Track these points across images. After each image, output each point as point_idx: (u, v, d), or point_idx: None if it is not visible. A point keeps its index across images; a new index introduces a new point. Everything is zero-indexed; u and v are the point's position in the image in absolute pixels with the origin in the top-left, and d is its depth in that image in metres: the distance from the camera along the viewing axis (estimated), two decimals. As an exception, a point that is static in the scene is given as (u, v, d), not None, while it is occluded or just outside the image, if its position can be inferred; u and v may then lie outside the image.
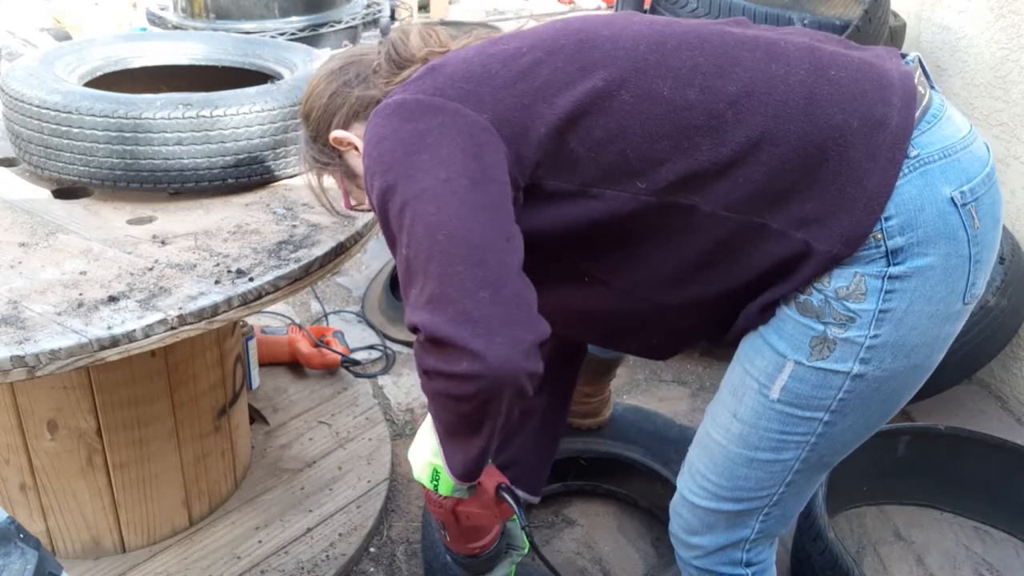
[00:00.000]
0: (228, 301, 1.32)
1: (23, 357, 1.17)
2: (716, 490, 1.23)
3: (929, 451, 2.00)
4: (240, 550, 1.82)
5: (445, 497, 1.23)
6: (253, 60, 1.95)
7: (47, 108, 1.56)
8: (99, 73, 1.87)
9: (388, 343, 2.72)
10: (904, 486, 2.05)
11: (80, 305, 1.28)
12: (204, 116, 1.56)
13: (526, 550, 1.35)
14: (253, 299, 1.36)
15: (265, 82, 1.80)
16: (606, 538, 1.97)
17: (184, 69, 1.98)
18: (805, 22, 2.44)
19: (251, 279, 1.37)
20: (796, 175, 1.04)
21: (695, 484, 1.26)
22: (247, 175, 1.65)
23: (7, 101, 1.64)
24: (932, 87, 1.12)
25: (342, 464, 2.08)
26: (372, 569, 1.87)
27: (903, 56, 1.15)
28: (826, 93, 1.05)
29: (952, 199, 1.04)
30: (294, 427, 2.21)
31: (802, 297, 1.09)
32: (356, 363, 2.53)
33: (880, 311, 1.05)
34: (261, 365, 2.38)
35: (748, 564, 1.29)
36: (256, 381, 2.32)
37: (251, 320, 2.54)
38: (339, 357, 2.45)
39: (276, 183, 1.73)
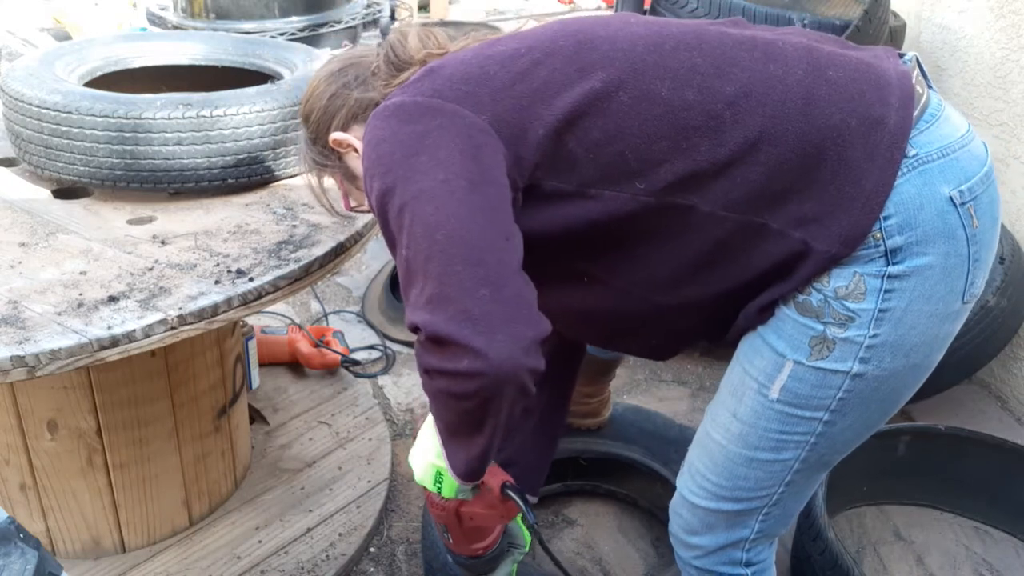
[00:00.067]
0: (228, 301, 1.32)
1: (23, 357, 1.17)
2: (716, 490, 1.23)
3: (929, 451, 2.00)
4: (240, 550, 1.82)
5: (448, 499, 1.22)
6: (253, 60, 1.96)
7: (47, 108, 1.56)
8: (99, 73, 1.87)
9: (388, 343, 2.72)
10: (904, 486, 2.05)
11: (80, 305, 1.28)
12: (204, 116, 1.56)
13: (528, 548, 1.35)
14: (253, 299, 1.36)
15: (265, 82, 1.80)
16: (606, 538, 1.97)
17: (184, 69, 1.98)
18: (805, 22, 2.44)
19: (251, 279, 1.37)
20: (794, 175, 1.04)
21: (695, 484, 1.26)
22: (247, 175, 1.65)
23: (7, 101, 1.65)
24: (930, 87, 1.12)
25: (342, 464, 2.08)
26: (372, 569, 1.87)
27: (901, 56, 1.15)
28: (824, 93, 1.05)
29: (951, 198, 1.04)
30: (294, 427, 2.21)
31: (801, 297, 1.09)
32: (356, 363, 2.53)
33: (879, 310, 1.05)
34: (261, 365, 2.39)
35: (748, 564, 1.29)
36: (256, 381, 2.32)
37: (251, 320, 2.54)
38: (339, 357, 2.45)
39: (276, 183, 1.73)
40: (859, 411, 1.13)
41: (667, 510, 1.34)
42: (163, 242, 1.49)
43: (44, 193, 1.69)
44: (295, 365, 2.47)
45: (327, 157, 1.28)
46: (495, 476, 1.22)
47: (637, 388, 2.55)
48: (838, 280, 1.06)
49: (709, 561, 1.29)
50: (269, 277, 1.38)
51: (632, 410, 2.05)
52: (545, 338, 0.97)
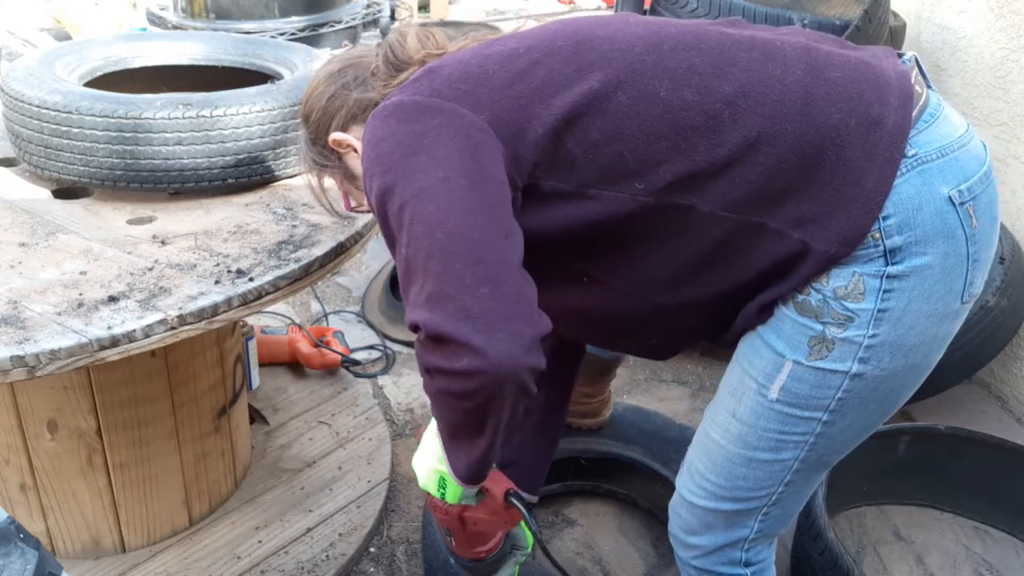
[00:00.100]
0: (228, 301, 1.32)
1: (23, 357, 1.17)
2: (715, 490, 1.23)
3: (929, 451, 2.00)
4: (240, 550, 1.82)
5: (451, 504, 1.22)
6: (253, 60, 1.96)
7: (47, 108, 1.56)
8: (99, 73, 1.88)
9: (388, 343, 2.72)
10: (904, 486, 2.05)
11: (80, 305, 1.28)
12: (204, 116, 1.56)
13: (529, 549, 1.35)
14: (253, 299, 1.36)
15: (265, 82, 1.80)
16: (606, 538, 1.97)
17: (184, 69, 1.99)
18: (805, 22, 2.44)
19: (251, 279, 1.37)
20: (793, 175, 1.04)
21: (694, 484, 1.26)
22: (247, 175, 1.66)
23: (7, 101, 1.65)
24: (929, 86, 1.12)
25: (342, 464, 2.08)
26: (372, 569, 1.87)
27: (899, 56, 1.15)
28: (823, 93, 1.05)
29: (950, 198, 1.04)
30: (294, 427, 2.21)
31: (800, 297, 1.09)
32: (356, 363, 2.53)
33: (878, 310, 1.05)
34: (261, 365, 2.39)
35: (747, 564, 1.29)
36: (256, 381, 2.32)
37: (251, 320, 2.54)
38: (339, 357, 2.45)
39: (276, 183, 1.73)
40: (858, 411, 1.13)
41: (667, 510, 1.34)
42: (163, 242, 1.49)
43: (44, 193, 1.69)
44: (295, 365, 2.47)
45: (327, 157, 1.28)
46: (499, 483, 1.21)
47: (637, 388, 2.55)
48: (837, 280, 1.06)
49: (708, 561, 1.29)
50: (269, 277, 1.38)
51: (632, 410, 2.05)
52: (545, 336, 0.97)
